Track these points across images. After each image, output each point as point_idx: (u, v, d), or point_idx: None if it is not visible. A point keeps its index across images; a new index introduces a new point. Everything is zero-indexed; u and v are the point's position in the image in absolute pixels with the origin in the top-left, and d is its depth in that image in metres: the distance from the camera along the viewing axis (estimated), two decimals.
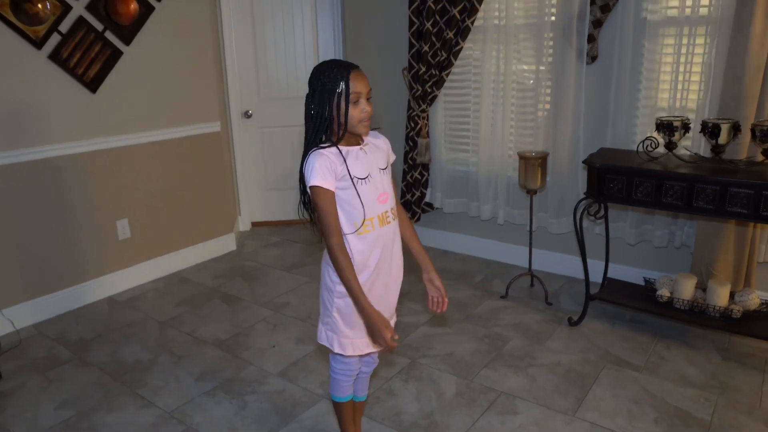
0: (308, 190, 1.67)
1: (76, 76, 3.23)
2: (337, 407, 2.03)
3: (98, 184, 3.42)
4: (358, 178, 1.68)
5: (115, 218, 3.53)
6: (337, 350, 1.83)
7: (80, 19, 3.18)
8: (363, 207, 1.69)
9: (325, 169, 1.63)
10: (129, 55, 3.44)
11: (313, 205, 1.68)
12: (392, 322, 1.88)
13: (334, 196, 1.67)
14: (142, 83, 3.54)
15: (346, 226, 1.70)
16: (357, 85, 1.63)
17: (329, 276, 1.79)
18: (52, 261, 3.28)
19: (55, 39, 3.12)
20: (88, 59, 3.26)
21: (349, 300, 1.73)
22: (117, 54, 3.38)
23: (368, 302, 1.66)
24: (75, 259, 3.38)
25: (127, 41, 3.41)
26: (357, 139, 1.75)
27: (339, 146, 1.68)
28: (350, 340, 1.82)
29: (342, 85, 1.62)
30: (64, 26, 3.14)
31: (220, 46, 4.29)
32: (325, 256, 1.79)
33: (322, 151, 1.65)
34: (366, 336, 1.75)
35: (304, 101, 1.72)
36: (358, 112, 1.65)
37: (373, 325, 1.65)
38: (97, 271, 3.50)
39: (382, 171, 1.77)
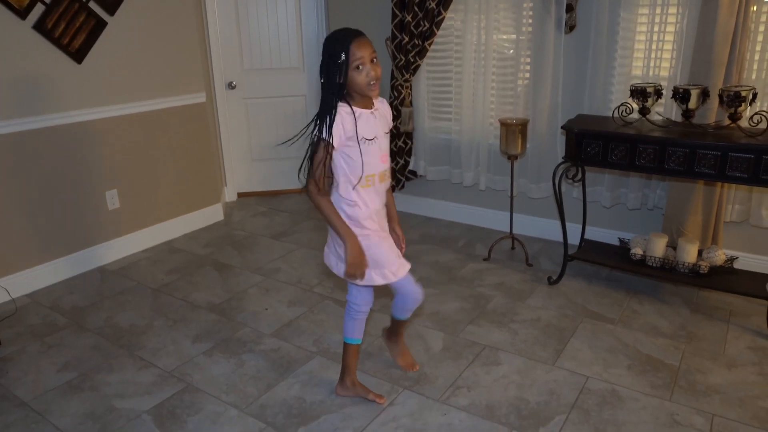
0: (313, 138, 1.86)
1: (61, 47, 3.23)
2: (347, 349, 2.24)
3: (87, 155, 3.45)
4: (366, 138, 1.87)
5: (104, 189, 3.57)
6: (379, 282, 2.03)
7: None
8: (362, 165, 1.89)
9: (335, 126, 1.82)
10: (113, 26, 3.45)
11: (311, 152, 1.88)
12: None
13: (332, 151, 1.86)
14: (128, 54, 3.56)
15: (351, 178, 1.93)
16: (357, 53, 1.79)
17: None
18: (43, 232, 3.33)
19: (39, 9, 3.11)
20: (73, 29, 3.26)
21: (370, 238, 1.98)
22: (101, 24, 3.38)
23: (351, 232, 1.92)
24: (66, 230, 3.43)
25: (111, 11, 3.41)
26: (369, 103, 1.92)
27: (353, 107, 1.85)
28: (380, 271, 2.02)
29: (343, 55, 1.78)
30: None
31: (202, 16, 4.29)
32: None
33: (340, 110, 1.83)
34: (396, 261, 2.02)
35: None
36: (363, 77, 1.81)
37: (353, 252, 1.91)
38: (88, 241, 3.55)
39: (386, 134, 1.97)
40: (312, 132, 1.88)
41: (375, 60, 1.83)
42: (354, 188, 1.93)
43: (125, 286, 3.34)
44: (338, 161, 1.92)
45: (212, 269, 3.53)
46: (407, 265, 2.07)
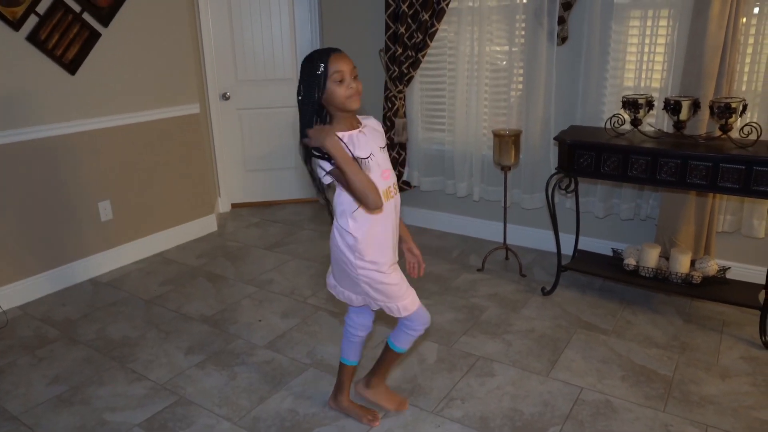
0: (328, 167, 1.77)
1: (54, 58, 3.23)
2: (342, 368, 2.22)
3: (80, 166, 3.44)
4: (361, 158, 1.78)
5: (97, 200, 3.56)
6: (386, 311, 1.98)
7: (57, 0, 3.18)
8: None
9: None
10: (107, 37, 3.45)
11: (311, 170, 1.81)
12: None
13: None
14: (121, 65, 3.56)
15: (354, 203, 1.81)
16: (337, 65, 1.73)
17: (347, 258, 1.90)
18: (35, 243, 3.30)
19: (32, 20, 3.11)
20: (67, 41, 3.26)
21: (373, 273, 1.90)
22: (95, 36, 3.38)
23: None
24: (58, 241, 3.41)
25: (105, 23, 3.42)
26: (353, 122, 1.85)
27: (338, 133, 1.75)
28: (388, 304, 1.96)
29: (322, 66, 1.72)
30: (42, 7, 3.13)
31: (197, 27, 4.30)
32: (335, 237, 1.90)
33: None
34: (406, 295, 1.97)
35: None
36: (344, 90, 1.74)
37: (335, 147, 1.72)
38: (81, 252, 3.53)
39: (382, 149, 1.88)
40: (307, 165, 1.81)
41: (356, 76, 1.77)
42: (357, 211, 1.83)
43: (117, 297, 3.32)
44: (339, 189, 1.85)
45: (205, 280, 3.51)
46: (417, 301, 2.01)
